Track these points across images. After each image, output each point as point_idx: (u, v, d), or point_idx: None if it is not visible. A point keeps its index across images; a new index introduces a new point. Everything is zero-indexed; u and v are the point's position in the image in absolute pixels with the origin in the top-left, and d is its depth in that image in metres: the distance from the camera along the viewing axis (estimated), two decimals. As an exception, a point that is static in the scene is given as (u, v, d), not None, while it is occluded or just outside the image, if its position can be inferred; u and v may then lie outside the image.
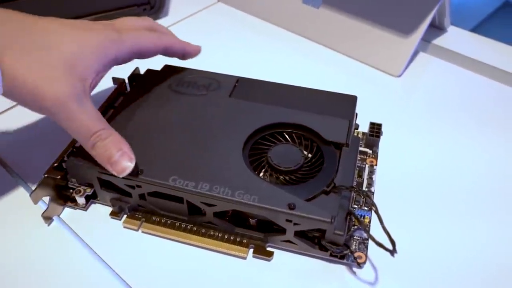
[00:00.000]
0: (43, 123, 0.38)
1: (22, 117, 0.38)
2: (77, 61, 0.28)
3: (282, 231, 0.28)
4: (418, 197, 0.33)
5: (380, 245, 0.25)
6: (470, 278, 0.28)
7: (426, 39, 0.48)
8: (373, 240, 0.25)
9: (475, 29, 0.55)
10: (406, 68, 0.45)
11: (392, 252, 0.25)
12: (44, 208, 0.30)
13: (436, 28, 0.49)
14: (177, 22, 0.52)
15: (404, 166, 0.36)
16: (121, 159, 0.28)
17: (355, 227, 0.29)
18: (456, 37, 0.48)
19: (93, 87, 0.29)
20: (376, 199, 0.32)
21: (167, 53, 0.34)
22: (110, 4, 0.48)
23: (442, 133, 0.39)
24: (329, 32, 0.48)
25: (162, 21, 0.52)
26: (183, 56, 0.35)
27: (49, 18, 0.29)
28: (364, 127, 0.36)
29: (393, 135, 0.37)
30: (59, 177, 0.29)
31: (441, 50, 0.47)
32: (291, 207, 0.27)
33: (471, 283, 0.28)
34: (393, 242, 0.25)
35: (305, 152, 0.31)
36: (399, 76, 0.45)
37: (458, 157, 0.37)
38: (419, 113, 0.41)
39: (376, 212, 0.26)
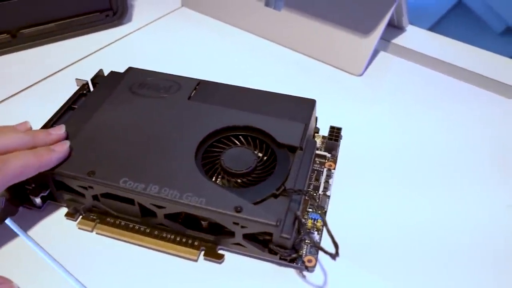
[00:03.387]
0: None
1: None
2: None
3: (232, 233, 0.28)
4: (377, 197, 0.33)
5: (321, 248, 0.25)
6: (419, 277, 0.29)
7: (386, 39, 0.49)
8: (314, 243, 0.25)
9: (431, 28, 0.57)
10: (367, 67, 0.46)
11: (334, 255, 0.25)
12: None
13: (396, 28, 0.50)
14: (141, 28, 0.53)
15: (363, 165, 0.36)
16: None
17: (307, 230, 0.29)
18: (415, 36, 0.50)
19: None
20: (332, 202, 0.32)
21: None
22: (72, 11, 0.48)
23: (403, 130, 0.40)
24: (291, 34, 0.49)
25: (126, 27, 0.52)
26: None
27: None
28: (325, 127, 0.36)
29: (354, 134, 0.38)
30: (11, 177, 0.29)
31: (401, 48, 0.48)
32: (238, 210, 0.27)
33: (421, 282, 0.28)
34: (336, 245, 0.25)
35: (260, 155, 0.31)
36: (360, 75, 0.46)
37: (419, 153, 0.37)
38: (381, 111, 0.42)
39: (322, 215, 0.26)
